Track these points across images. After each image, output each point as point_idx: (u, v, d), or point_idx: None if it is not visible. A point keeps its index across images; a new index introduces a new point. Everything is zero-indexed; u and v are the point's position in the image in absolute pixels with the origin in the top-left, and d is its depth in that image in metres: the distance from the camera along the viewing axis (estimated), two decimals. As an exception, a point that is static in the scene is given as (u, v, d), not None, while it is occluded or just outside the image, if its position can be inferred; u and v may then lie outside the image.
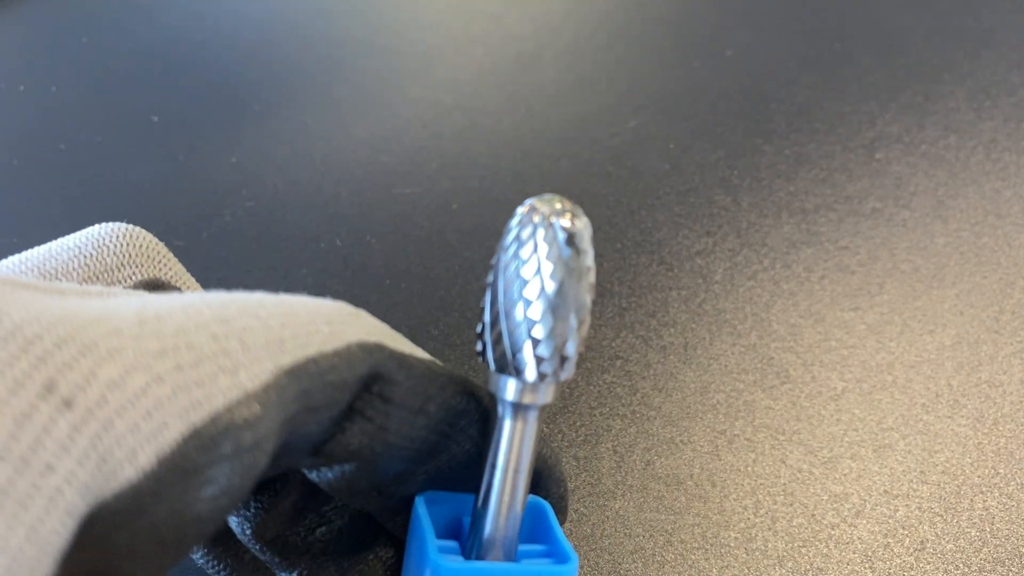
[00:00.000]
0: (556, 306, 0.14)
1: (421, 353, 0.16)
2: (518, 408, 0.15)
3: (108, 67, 0.41)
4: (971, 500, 0.27)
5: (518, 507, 0.16)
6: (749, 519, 0.26)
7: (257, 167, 0.36)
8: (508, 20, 0.42)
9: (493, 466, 0.16)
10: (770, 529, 0.26)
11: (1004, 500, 0.27)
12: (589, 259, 0.14)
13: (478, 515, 0.16)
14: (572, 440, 0.28)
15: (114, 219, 0.35)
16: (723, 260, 0.33)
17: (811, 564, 0.25)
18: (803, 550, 0.25)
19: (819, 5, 0.43)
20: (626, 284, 0.32)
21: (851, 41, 0.41)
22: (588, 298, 0.14)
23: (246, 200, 0.35)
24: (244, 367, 0.13)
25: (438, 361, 0.17)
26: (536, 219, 0.14)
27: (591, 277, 0.14)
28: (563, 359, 0.14)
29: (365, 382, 0.15)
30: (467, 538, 0.16)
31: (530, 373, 0.15)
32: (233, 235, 0.34)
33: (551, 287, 0.14)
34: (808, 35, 0.41)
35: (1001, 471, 0.27)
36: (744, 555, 0.25)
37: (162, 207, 0.35)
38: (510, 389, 0.15)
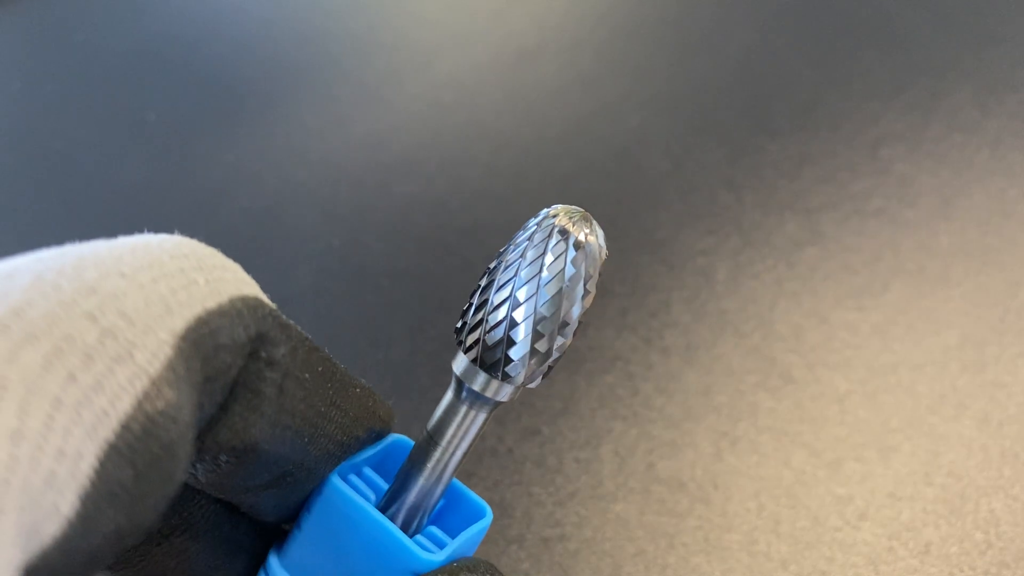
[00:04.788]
0: (549, 320, 0.14)
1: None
2: (478, 398, 0.15)
3: (104, 66, 0.40)
4: (976, 502, 0.26)
5: (443, 482, 0.16)
6: (752, 522, 0.26)
7: (254, 166, 0.36)
8: (509, 17, 0.42)
9: (435, 441, 0.16)
10: (773, 532, 0.25)
11: (1009, 502, 0.26)
12: (592, 283, 0.14)
13: (404, 479, 0.16)
14: (573, 442, 0.27)
15: (109, 218, 0.35)
16: (726, 260, 0.32)
17: (815, 567, 0.25)
18: (807, 553, 0.25)
19: (822, 3, 0.43)
20: (628, 284, 0.31)
21: (855, 39, 0.41)
22: (580, 317, 0.15)
23: (243, 199, 0.35)
24: (138, 346, 0.11)
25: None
26: (553, 230, 0.14)
27: (589, 300, 0.15)
28: (539, 370, 0.15)
29: (251, 346, 0.13)
30: (386, 495, 0.17)
31: (503, 373, 0.15)
32: (229, 235, 0.33)
33: (548, 302, 0.14)
34: (811, 33, 0.41)
35: (1006, 473, 0.27)
36: (747, 558, 0.25)
37: (158, 206, 0.35)
38: (478, 381, 0.15)
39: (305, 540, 0.17)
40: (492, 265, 0.15)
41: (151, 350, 0.11)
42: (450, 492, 0.17)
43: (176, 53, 0.41)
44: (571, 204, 0.15)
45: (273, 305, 0.14)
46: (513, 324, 0.14)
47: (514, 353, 0.15)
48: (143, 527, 0.11)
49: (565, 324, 0.14)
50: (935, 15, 0.41)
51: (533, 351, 0.14)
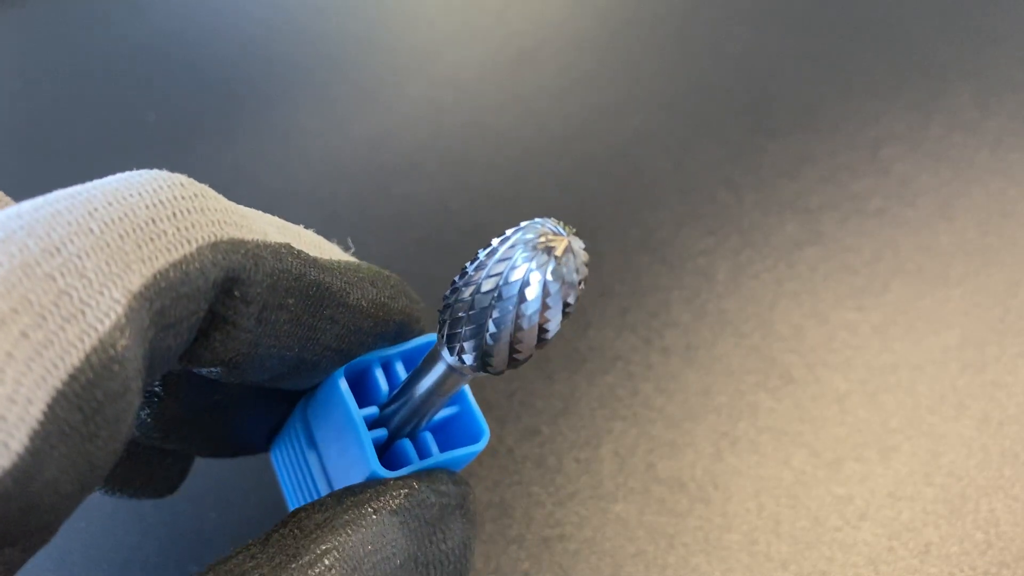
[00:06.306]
0: (500, 332, 0.14)
1: (267, 223, 0.16)
2: (455, 369, 0.16)
3: (104, 65, 0.40)
4: (976, 502, 0.26)
5: (431, 406, 0.17)
6: (752, 522, 0.26)
7: (254, 166, 0.36)
8: (509, 16, 0.42)
9: (416, 385, 0.17)
10: (773, 532, 0.26)
11: (1009, 502, 0.26)
12: (550, 312, 0.14)
13: (403, 389, 0.17)
14: (573, 442, 0.27)
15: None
16: (726, 260, 0.32)
17: (815, 567, 0.25)
18: (807, 553, 0.25)
19: (822, 2, 0.43)
20: (627, 284, 0.31)
21: (855, 38, 0.41)
22: (540, 333, 0.14)
23: (243, 199, 0.35)
24: (90, 306, 0.12)
25: (290, 232, 0.16)
26: (520, 247, 0.14)
27: (553, 317, 0.14)
28: (496, 367, 0.15)
29: (222, 286, 0.14)
30: (391, 396, 0.18)
31: (459, 358, 0.15)
32: (230, 234, 0.33)
33: (497, 319, 0.14)
34: (812, 32, 0.41)
35: (1007, 473, 0.27)
36: (747, 558, 0.25)
37: (159, 206, 0.35)
38: (446, 352, 0.16)
39: (317, 406, 0.19)
40: (480, 250, 0.15)
41: (103, 309, 0.12)
42: (465, 405, 0.19)
43: (176, 53, 0.41)
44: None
45: (258, 239, 0.15)
46: (468, 321, 0.14)
47: (468, 347, 0.15)
48: (100, 463, 0.12)
49: (518, 340, 0.14)
50: (935, 15, 0.41)
51: (485, 351, 0.14)
